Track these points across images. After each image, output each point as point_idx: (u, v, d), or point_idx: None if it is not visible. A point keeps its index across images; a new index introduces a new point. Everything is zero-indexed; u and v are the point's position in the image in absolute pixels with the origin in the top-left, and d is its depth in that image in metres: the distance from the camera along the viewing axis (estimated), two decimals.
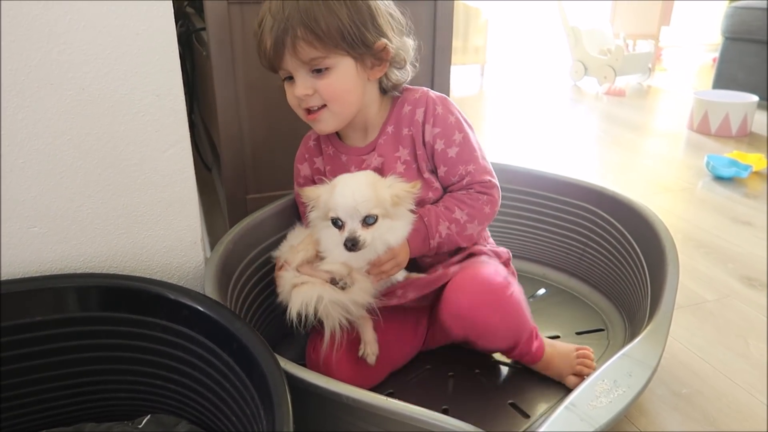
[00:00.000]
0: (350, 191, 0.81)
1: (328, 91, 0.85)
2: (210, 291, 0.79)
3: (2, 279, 0.77)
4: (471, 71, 3.63)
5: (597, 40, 3.39)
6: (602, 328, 1.08)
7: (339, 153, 0.95)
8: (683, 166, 2.07)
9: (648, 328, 0.87)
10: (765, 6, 2.69)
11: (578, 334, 1.07)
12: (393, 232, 0.84)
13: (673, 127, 2.57)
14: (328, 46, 0.81)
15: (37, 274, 0.79)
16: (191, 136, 0.85)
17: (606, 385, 0.76)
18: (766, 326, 1.13)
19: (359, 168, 0.92)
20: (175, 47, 0.77)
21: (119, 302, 0.76)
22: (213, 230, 1.33)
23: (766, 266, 1.35)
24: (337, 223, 0.82)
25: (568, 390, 0.89)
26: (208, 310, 0.72)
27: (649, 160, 2.15)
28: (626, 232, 1.09)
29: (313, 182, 0.96)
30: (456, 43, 3.34)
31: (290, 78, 0.86)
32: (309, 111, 0.88)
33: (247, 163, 1.15)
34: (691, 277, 1.30)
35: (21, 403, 0.76)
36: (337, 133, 0.96)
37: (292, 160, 1.18)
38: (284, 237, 1.00)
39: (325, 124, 0.89)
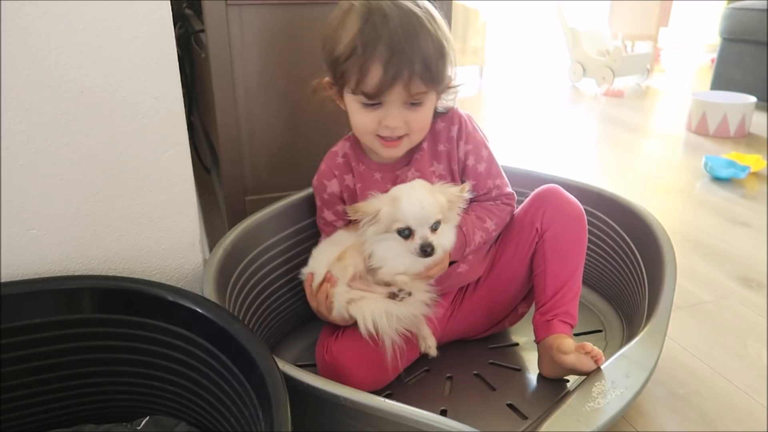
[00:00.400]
0: (417, 200, 0.83)
1: (417, 124, 0.87)
2: (209, 293, 0.79)
3: (2, 281, 0.77)
4: (469, 72, 3.64)
5: (595, 42, 3.40)
6: (600, 329, 1.09)
7: (371, 170, 0.94)
8: (681, 167, 2.07)
9: (646, 329, 0.88)
10: (763, 7, 2.70)
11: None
12: (448, 237, 0.87)
13: (671, 128, 2.57)
14: (433, 85, 0.84)
15: (37, 276, 0.79)
16: (190, 138, 0.85)
17: (604, 386, 0.77)
18: (764, 327, 1.13)
19: (395, 184, 0.91)
20: (173, 50, 0.77)
21: (118, 304, 0.76)
22: (212, 232, 1.33)
23: (764, 267, 1.35)
24: (404, 233, 0.83)
25: (566, 391, 0.89)
26: (207, 312, 0.72)
27: (647, 161, 2.15)
28: (624, 234, 1.09)
29: (342, 200, 0.95)
30: (455, 45, 3.34)
31: (373, 105, 0.84)
32: (384, 138, 0.87)
33: (246, 164, 1.15)
34: (689, 278, 1.30)
35: (20, 404, 0.76)
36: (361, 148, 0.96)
37: (290, 162, 1.18)
38: (282, 238, 1.01)
39: (401, 150, 0.90)
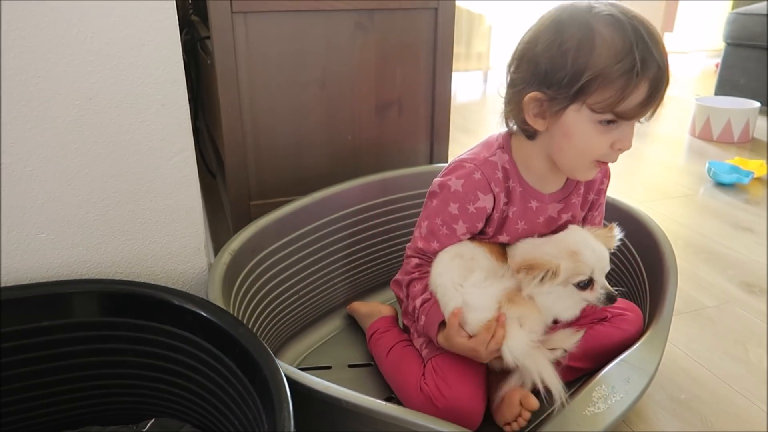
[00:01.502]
0: (598, 251, 0.82)
1: (631, 142, 0.80)
2: (213, 297, 0.80)
3: (11, 285, 0.78)
4: (474, 78, 3.65)
5: None
6: None
7: (528, 196, 0.86)
8: (685, 172, 2.07)
9: (647, 334, 0.88)
10: (766, 12, 2.70)
11: None
12: None
13: (675, 133, 2.57)
14: None
15: (45, 280, 0.81)
16: (195, 143, 0.86)
17: (604, 390, 0.77)
18: (765, 332, 1.13)
19: (545, 217, 0.88)
20: (179, 58, 0.78)
21: (124, 307, 0.77)
22: (217, 236, 1.34)
23: (766, 273, 1.35)
24: (583, 284, 0.82)
25: (567, 395, 0.89)
26: (212, 316, 0.73)
27: (650, 166, 2.15)
28: (626, 239, 1.09)
29: (487, 218, 0.86)
30: (458, 50, 3.35)
31: (609, 125, 0.77)
32: (602, 161, 0.82)
33: (251, 169, 1.16)
34: (691, 283, 1.31)
35: (28, 406, 0.77)
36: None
37: (295, 167, 1.19)
38: (287, 243, 1.02)
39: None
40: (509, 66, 0.84)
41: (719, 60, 3.01)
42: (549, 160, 0.85)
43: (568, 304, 0.85)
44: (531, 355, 0.81)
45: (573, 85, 0.74)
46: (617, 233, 0.88)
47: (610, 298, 0.83)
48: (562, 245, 0.83)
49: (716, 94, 2.94)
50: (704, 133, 2.43)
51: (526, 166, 0.86)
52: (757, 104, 2.46)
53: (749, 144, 2.39)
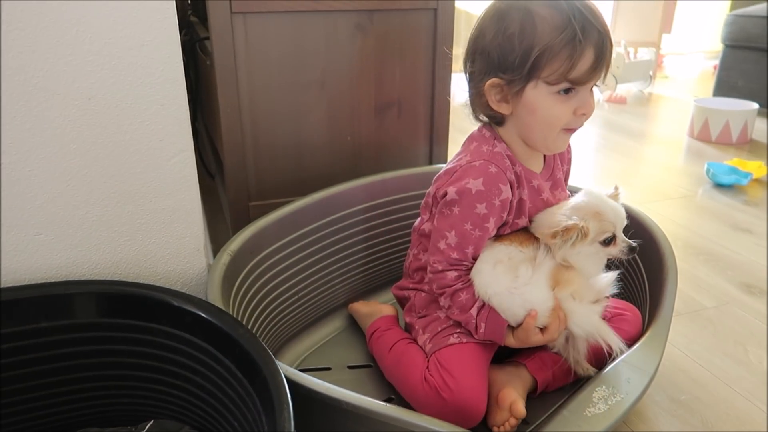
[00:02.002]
0: (616, 206, 0.88)
1: (592, 108, 0.85)
2: (213, 298, 0.80)
3: (9, 285, 0.78)
4: None
5: None
6: None
7: (530, 177, 0.89)
8: (683, 173, 2.07)
9: (647, 334, 0.88)
10: (764, 14, 2.70)
11: None
12: None
13: (673, 134, 2.57)
14: None
15: (43, 281, 0.80)
16: (195, 144, 0.86)
17: (604, 391, 0.77)
18: (765, 333, 1.13)
19: (545, 195, 0.91)
20: (179, 58, 0.78)
21: (123, 308, 0.77)
22: (216, 237, 1.34)
23: (765, 274, 1.35)
24: (606, 241, 0.88)
25: (566, 398, 0.89)
26: (211, 317, 0.73)
27: (649, 167, 2.15)
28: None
29: (508, 209, 0.87)
30: (457, 51, 3.34)
31: (567, 94, 0.81)
32: (568, 129, 0.86)
33: (250, 170, 1.16)
34: (690, 284, 1.31)
35: (26, 407, 0.77)
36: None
37: (294, 168, 1.19)
38: (286, 243, 1.01)
39: (569, 140, 0.90)
40: (465, 63, 0.88)
41: (717, 62, 3.02)
42: (523, 142, 0.89)
43: (595, 260, 0.90)
44: (592, 322, 0.86)
45: (525, 65, 0.79)
46: (622, 192, 0.93)
47: (632, 249, 0.89)
48: (585, 207, 0.87)
49: (714, 95, 2.94)
50: (703, 134, 2.44)
51: (513, 151, 0.89)
52: (756, 105, 2.46)
53: (748, 145, 2.40)
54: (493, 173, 0.84)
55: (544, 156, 0.93)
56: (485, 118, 0.90)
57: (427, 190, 0.95)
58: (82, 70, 0.73)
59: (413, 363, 0.89)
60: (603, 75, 0.82)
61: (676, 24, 4.18)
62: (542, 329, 0.86)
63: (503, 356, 0.93)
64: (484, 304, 0.87)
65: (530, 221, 0.91)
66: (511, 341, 0.88)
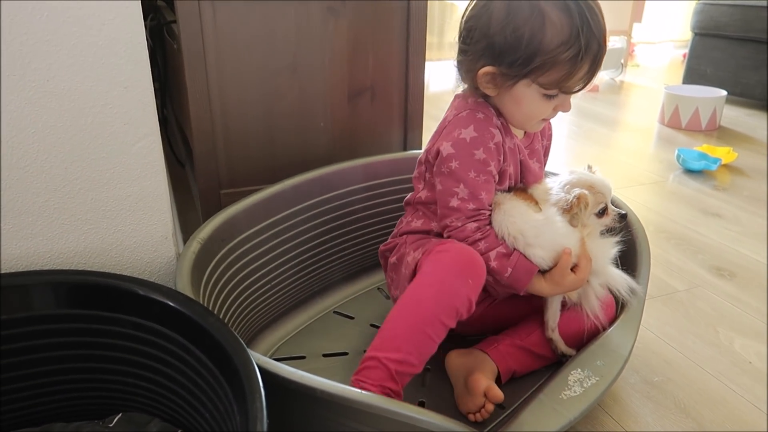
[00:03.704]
0: (604, 180, 0.95)
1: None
2: (182, 287, 0.78)
3: None
4: (447, 67, 3.64)
5: None
6: None
7: (509, 132, 0.90)
8: (655, 159, 2.10)
9: (620, 318, 0.89)
10: (733, 2, 2.74)
11: None
12: None
13: (644, 121, 2.61)
14: None
15: (2, 272, 0.77)
16: (163, 132, 0.83)
17: (579, 374, 0.77)
18: (735, 315, 1.15)
19: (522, 157, 0.92)
20: (143, 38, 0.75)
21: (88, 299, 0.74)
22: (187, 226, 1.31)
23: (735, 257, 1.38)
24: (600, 212, 0.92)
25: (542, 381, 0.89)
26: (180, 306, 0.70)
27: (621, 154, 2.18)
28: None
29: (502, 153, 0.88)
30: (431, 39, 3.34)
31: (552, 96, 0.84)
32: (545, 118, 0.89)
33: (220, 157, 1.13)
34: (662, 267, 1.32)
35: None
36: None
37: (265, 155, 1.17)
38: (258, 231, 0.99)
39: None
40: (461, 33, 0.88)
41: (687, 50, 3.06)
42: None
43: (596, 230, 0.93)
44: (611, 255, 0.92)
45: (525, 67, 0.80)
46: (596, 170, 0.98)
47: (622, 217, 0.95)
48: (578, 182, 0.92)
49: (684, 83, 2.99)
50: (673, 121, 2.47)
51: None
52: (724, 93, 2.50)
53: (716, 132, 2.44)
54: (481, 119, 0.86)
55: None
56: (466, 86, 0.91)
57: (418, 159, 0.94)
58: (39, 50, 0.70)
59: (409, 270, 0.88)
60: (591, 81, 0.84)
61: (647, 13, 4.23)
62: (573, 269, 0.86)
63: (466, 343, 0.93)
64: (506, 251, 0.85)
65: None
66: (543, 286, 0.86)
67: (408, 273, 0.88)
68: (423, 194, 0.93)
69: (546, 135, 1.01)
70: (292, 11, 1.09)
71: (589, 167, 0.97)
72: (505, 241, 0.85)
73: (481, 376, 0.84)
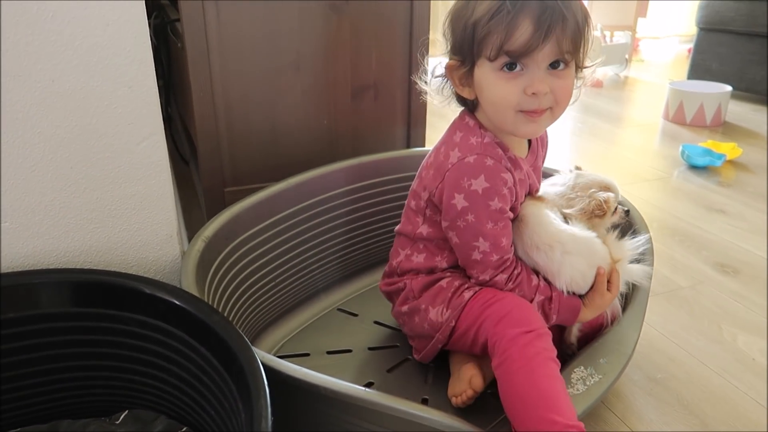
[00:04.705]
0: (609, 177, 0.94)
1: (563, 93, 0.79)
2: (187, 285, 0.78)
3: None
4: None
5: None
6: None
7: (518, 163, 0.85)
8: (659, 155, 2.09)
9: (624, 315, 0.89)
10: None
11: None
12: None
13: (649, 117, 2.60)
14: (578, 44, 0.77)
15: (9, 270, 0.78)
16: (168, 130, 0.84)
17: (582, 372, 0.78)
18: (738, 312, 1.15)
19: (530, 180, 0.89)
20: (147, 37, 0.75)
21: (94, 297, 0.75)
22: (191, 225, 1.31)
23: (739, 253, 1.38)
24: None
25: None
26: (186, 304, 0.71)
27: (625, 150, 2.17)
28: None
29: (513, 193, 0.84)
30: (434, 36, 3.32)
31: (514, 72, 0.76)
32: (528, 111, 0.79)
33: (224, 155, 1.14)
34: (666, 264, 1.32)
35: None
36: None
37: (269, 153, 1.17)
38: (262, 229, 1.00)
39: (541, 126, 0.82)
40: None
41: (692, 45, 3.05)
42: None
43: (602, 231, 0.92)
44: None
45: (468, 43, 0.78)
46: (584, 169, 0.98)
47: (627, 213, 0.98)
48: (594, 183, 0.91)
49: (689, 78, 2.97)
50: (678, 117, 2.46)
51: (499, 137, 0.85)
52: (729, 88, 2.49)
53: (721, 127, 2.43)
54: (491, 166, 0.80)
55: (529, 141, 0.90)
56: (457, 102, 0.88)
57: (412, 187, 0.91)
58: (44, 50, 0.70)
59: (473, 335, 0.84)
60: (566, 51, 0.75)
61: (652, 8, 4.21)
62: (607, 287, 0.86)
63: None
64: (545, 295, 0.84)
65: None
66: (586, 315, 0.86)
67: (430, 330, 0.87)
68: (424, 230, 0.89)
69: (544, 143, 0.96)
70: (296, 9, 1.09)
71: (577, 167, 0.96)
72: (537, 254, 0.84)
73: (473, 365, 0.85)
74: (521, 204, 0.87)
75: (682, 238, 1.45)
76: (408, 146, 1.30)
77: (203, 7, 1.02)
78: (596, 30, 3.57)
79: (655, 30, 4.63)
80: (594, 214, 0.87)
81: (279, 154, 1.18)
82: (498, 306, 0.81)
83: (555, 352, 0.76)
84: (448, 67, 0.83)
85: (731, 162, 2.00)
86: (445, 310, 0.85)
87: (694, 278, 1.27)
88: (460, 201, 0.81)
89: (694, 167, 1.94)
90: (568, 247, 0.83)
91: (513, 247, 0.85)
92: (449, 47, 0.83)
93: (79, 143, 0.76)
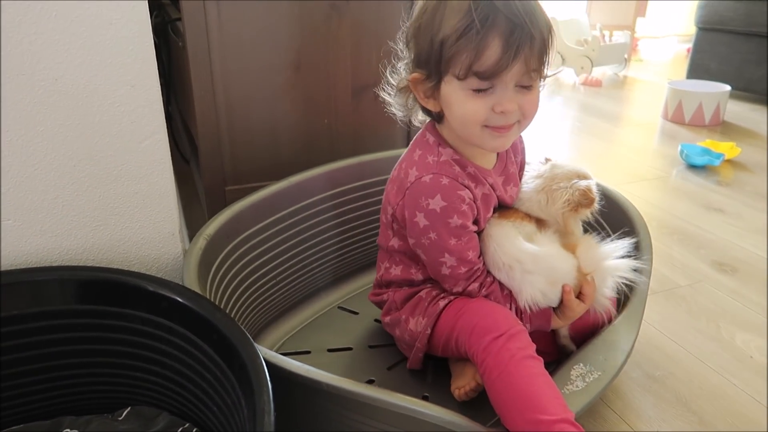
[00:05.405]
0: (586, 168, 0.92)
1: (530, 107, 0.79)
2: (189, 282, 0.79)
3: None
4: None
5: (574, 31, 3.42)
6: None
7: (484, 176, 0.85)
8: (658, 155, 2.10)
9: (622, 313, 0.89)
10: None
11: None
12: None
13: (648, 116, 2.60)
14: (544, 60, 0.76)
15: (13, 268, 0.78)
16: (169, 128, 0.84)
17: (581, 369, 0.78)
18: (737, 310, 1.16)
19: (496, 192, 0.88)
20: (149, 36, 0.76)
21: (97, 295, 0.75)
22: (192, 223, 1.32)
23: (738, 252, 1.38)
24: None
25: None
26: (188, 302, 0.72)
27: (624, 149, 2.18)
28: (601, 219, 1.11)
29: (476, 206, 0.84)
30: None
31: (483, 90, 0.76)
32: (495, 127, 0.79)
33: (225, 154, 1.14)
34: (664, 263, 1.33)
35: None
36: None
37: (270, 152, 1.18)
38: (263, 227, 1.00)
39: (510, 139, 0.82)
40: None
41: (691, 45, 3.05)
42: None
43: (579, 222, 0.92)
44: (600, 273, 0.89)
45: (434, 59, 0.76)
46: (554, 160, 0.96)
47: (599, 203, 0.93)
48: (570, 173, 0.90)
49: (688, 78, 2.98)
50: (676, 116, 2.47)
51: (461, 152, 0.85)
52: (728, 88, 2.50)
53: (720, 127, 2.44)
54: (447, 185, 0.81)
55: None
56: (422, 116, 0.88)
57: (382, 204, 0.92)
58: (48, 49, 0.71)
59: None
60: (532, 70, 0.75)
61: (651, 8, 4.22)
62: (579, 297, 0.86)
63: None
64: (516, 307, 0.85)
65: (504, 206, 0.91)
66: (558, 323, 0.88)
67: (411, 340, 0.89)
68: (395, 243, 0.91)
69: (518, 150, 0.96)
70: (296, 9, 1.09)
71: (547, 159, 0.94)
72: (498, 273, 0.85)
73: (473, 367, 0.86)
74: (487, 221, 0.87)
75: (681, 237, 1.46)
76: (407, 146, 1.30)
77: (204, 6, 1.02)
78: (596, 30, 3.58)
79: (654, 29, 4.64)
80: (580, 204, 0.87)
81: (280, 153, 1.19)
82: (467, 317, 0.82)
83: (533, 348, 0.76)
84: (412, 80, 0.81)
85: (730, 161, 2.01)
86: (421, 319, 0.87)
87: (693, 277, 1.28)
88: (421, 219, 0.82)
89: (692, 166, 1.95)
90: (527, 266, 0.83)
91: (481, 257, 0.86)
92: (413, 58, 0.82)
93: (82, 141, 0.77)
